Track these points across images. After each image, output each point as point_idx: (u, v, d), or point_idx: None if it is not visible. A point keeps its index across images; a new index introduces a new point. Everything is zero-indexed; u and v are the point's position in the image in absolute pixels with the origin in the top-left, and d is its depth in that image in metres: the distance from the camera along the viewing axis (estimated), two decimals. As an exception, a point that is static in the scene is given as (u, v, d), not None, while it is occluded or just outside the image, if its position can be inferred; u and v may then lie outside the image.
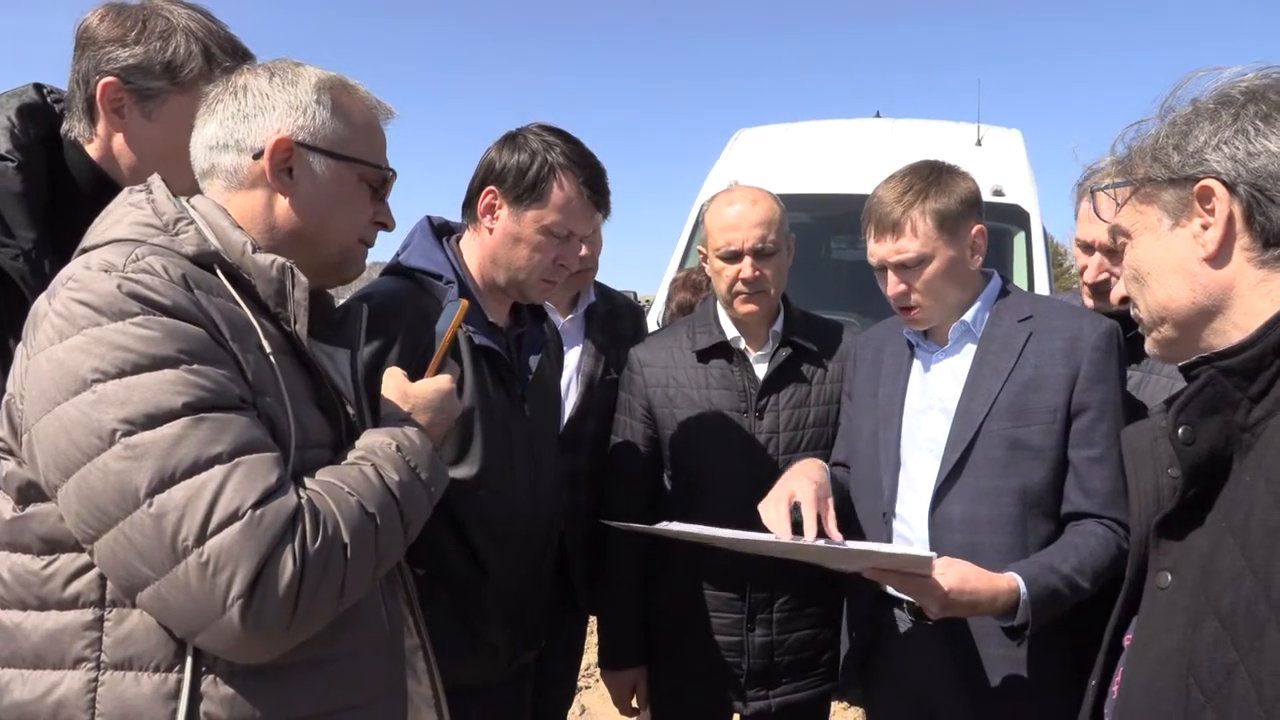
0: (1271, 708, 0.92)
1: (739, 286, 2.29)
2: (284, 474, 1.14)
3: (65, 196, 1.64)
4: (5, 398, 1.18)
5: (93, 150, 1.66)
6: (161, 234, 1.25)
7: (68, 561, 1.14)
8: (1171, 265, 1.13)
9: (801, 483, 1.85)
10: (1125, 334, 1.96)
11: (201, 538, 1.06)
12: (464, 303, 1.63)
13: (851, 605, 2.19)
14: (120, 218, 1.27)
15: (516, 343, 2.15)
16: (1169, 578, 1.12)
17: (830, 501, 1.86)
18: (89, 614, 1.13)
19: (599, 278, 2.91)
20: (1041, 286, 4.79)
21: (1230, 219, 1.07)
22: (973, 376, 1.97)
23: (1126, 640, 1.24)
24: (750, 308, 2.31)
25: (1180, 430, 1.08)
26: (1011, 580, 1.75)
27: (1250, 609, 0.96)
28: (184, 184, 1.36)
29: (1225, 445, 1.06)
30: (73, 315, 1.10)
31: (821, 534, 1.79)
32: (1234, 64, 1.13)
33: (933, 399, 2.03)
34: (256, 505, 1.08)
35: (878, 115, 6.88)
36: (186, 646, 1.13)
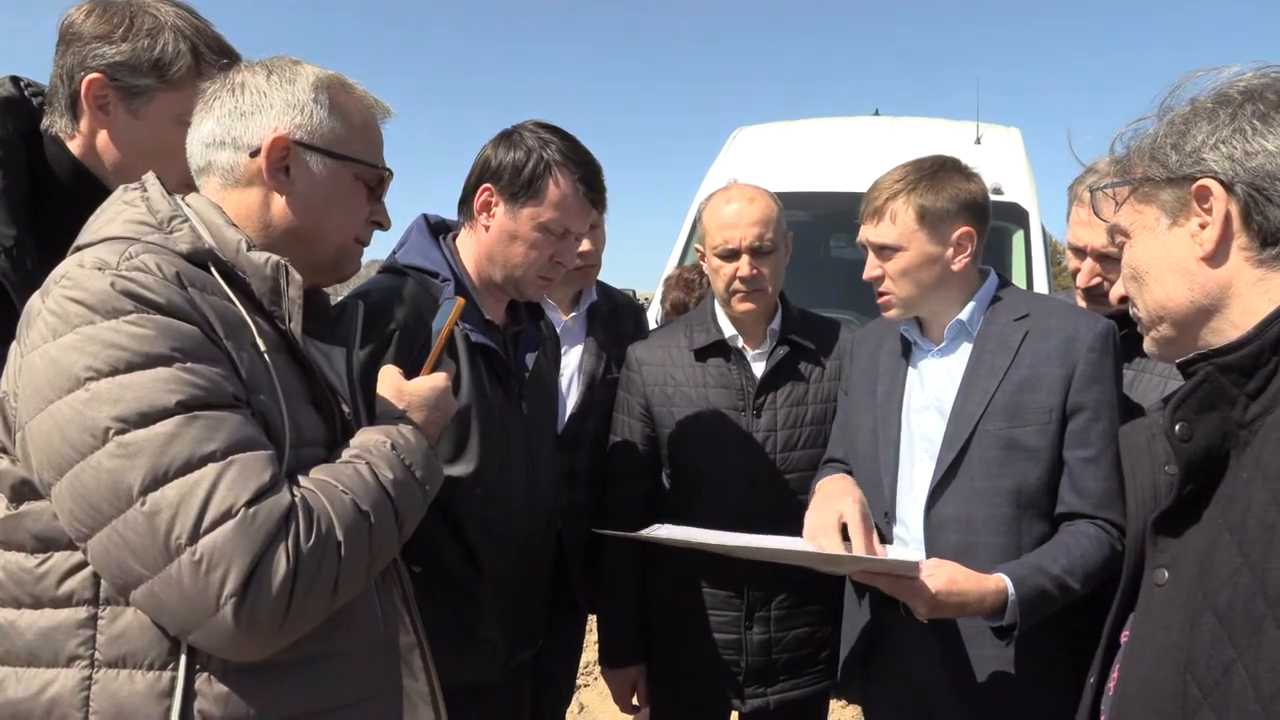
0: (1269, 704, 0.92)
1: (736, 285, 2.29)
2: (278, 472, 1.14)
3: (45, 192, 1.63)
4: None
5: (75, 146, 1.65)
6: (156, 232, 1.24)
7: (61, 559, 1.13)
8: (1170, 264, 1.13)
9: (846, 503, 1.88)
10: (1120, 332, 1.96)
11: (195, 536, 1.06)
12: (460, 300, 1.62)
13: (851, 605, 2.19)
14: (114, 215, 1.27)
15: (513, 340, 2.15)
16: (1166, 575, 1.12)
17: (872, 523, 1.89)
18: (83, 612, 1.13)
19: (599, 277, 2.91)
20: (1040, 285, 4.79)
21: (1228, 218, 1.07)
22: (968, 376, 1.97)
23: (1123, 637, 1.24)
24: (748, 306, 2.31)
25: (1177, 427, 1.08)
26: (999, 581, 1.75)
27: (1247, 606, 0.96)
28: (170, 182, 1.35)
29: (1222, 442, 1.06)
30: (66, 313, 1.10)
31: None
32: (1232, 64, 1.13)
33: (928, 398, 2.03)
34: (250, 503, 1.08)
35: (876, 113, 6.87)
36: (180, 644, 1.12)
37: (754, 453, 2.31)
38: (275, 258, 1.28)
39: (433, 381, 1.48)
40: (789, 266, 2.42)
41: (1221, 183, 1.07)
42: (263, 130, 1.32)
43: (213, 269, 1.24)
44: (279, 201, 1.34)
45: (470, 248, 2.07)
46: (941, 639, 1.95)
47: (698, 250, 2.47)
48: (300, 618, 1.12)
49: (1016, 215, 5.11)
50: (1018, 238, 5.09)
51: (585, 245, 2.65)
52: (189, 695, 1.12)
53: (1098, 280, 2.24)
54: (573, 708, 3.85)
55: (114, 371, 1.07)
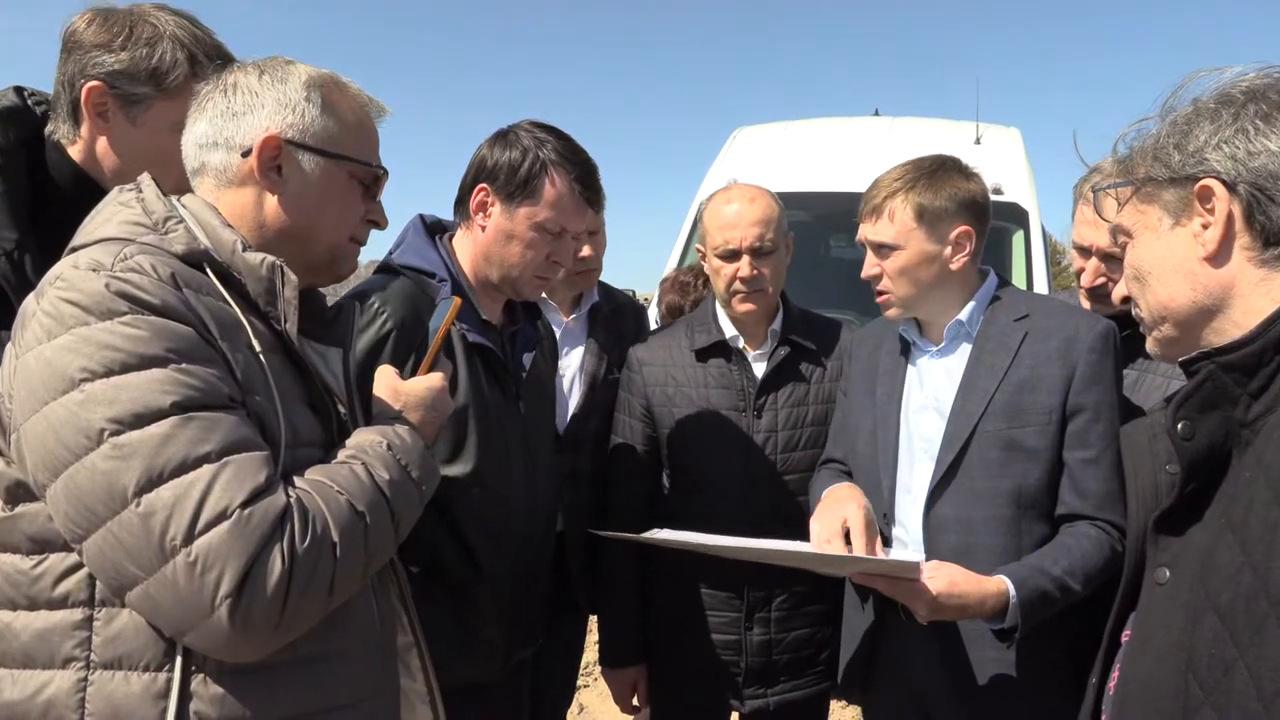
0: (1271, 703, 0.92)
1: (737, 285, 2.28)
2: (273, 473, 1.14)
3: (47, 197, 1.65)
4: None
5: (75, 152, 1.68)
6: (151, 233, 1.24)
7: (57, 561, 1.13)
8: (1172, 264, 1.13)
9: (851, 508, 1.88)
10: (1121, 332, 1.95)
11: (189, 537, 1.05)
12: (456, 300, 1.62)
13: (851, 607, 2.18)
14: (110, 216, 1.26)
15: (510, 340, 2.15)
16: (1167, 573, 1.12)
17: (876, 528, 1.89)
18: (78, 613, 1.12)
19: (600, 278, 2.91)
20: (1040, 285, 4.79)
21: (1230, 218, 1.07)
22: (968, 376, 1.96)
23: (1124, 636, 1.24)
24: (748, 307, 2.30)
25: (1180, 426, 1.08)
26: (1000, 583, 1.75)
27: (1249, 605, 0.96)
28: (166, 187, 1.36)
29: (1224, 441, 1.06)
30: (61, 314, 1.10)
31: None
32: (1235, 64, 1.13)
33: (927, 398, 2.02)
34: (245, 504, 1.08)
35: (876, 113, 6.87)
36: (176, 646, 1.12)
37: (754, 453, 2.31)
38: (271, 258, 1.27)
39: (429, 381, 1.48)
40: (789, 267, 2.41)
41: (1224, 183, 1.07)
42: (254, 130, 1.32)
43: (208, 270, 1.24)
44: (272, 201, 1.34)
45: (467, 248, 2.07)
46: (941, 641, 1.94)
47: (698, 250, 2.47)
48: (296, 619, 1.12)
49: (1016, 215, 5.11)
50: (1017, 238, 5.09)
51: (586, 251, 2.66)
52: (185, 696, 1.12)
53: (1102, 280, 2.23)
54: (573, 708, 3.84)
55: (109, 373, 1.07)
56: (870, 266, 2.02)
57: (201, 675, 1.13)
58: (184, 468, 1.07)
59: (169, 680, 1.12)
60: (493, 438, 1.99)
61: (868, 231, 2.01)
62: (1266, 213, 1.05)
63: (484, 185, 2.01)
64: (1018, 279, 4.68)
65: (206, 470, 1.07)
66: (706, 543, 1.90)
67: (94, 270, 1.12)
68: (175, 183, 1.40)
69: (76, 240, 1.26)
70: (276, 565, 1.08)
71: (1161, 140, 1.14)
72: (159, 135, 1.66)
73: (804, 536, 1.92)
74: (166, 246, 1.22)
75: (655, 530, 2.02)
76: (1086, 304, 2.28)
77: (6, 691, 1.12)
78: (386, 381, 1.46)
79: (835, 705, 3.73)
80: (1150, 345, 1.22)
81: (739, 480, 2.30)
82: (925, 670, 1.98)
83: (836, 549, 1.81)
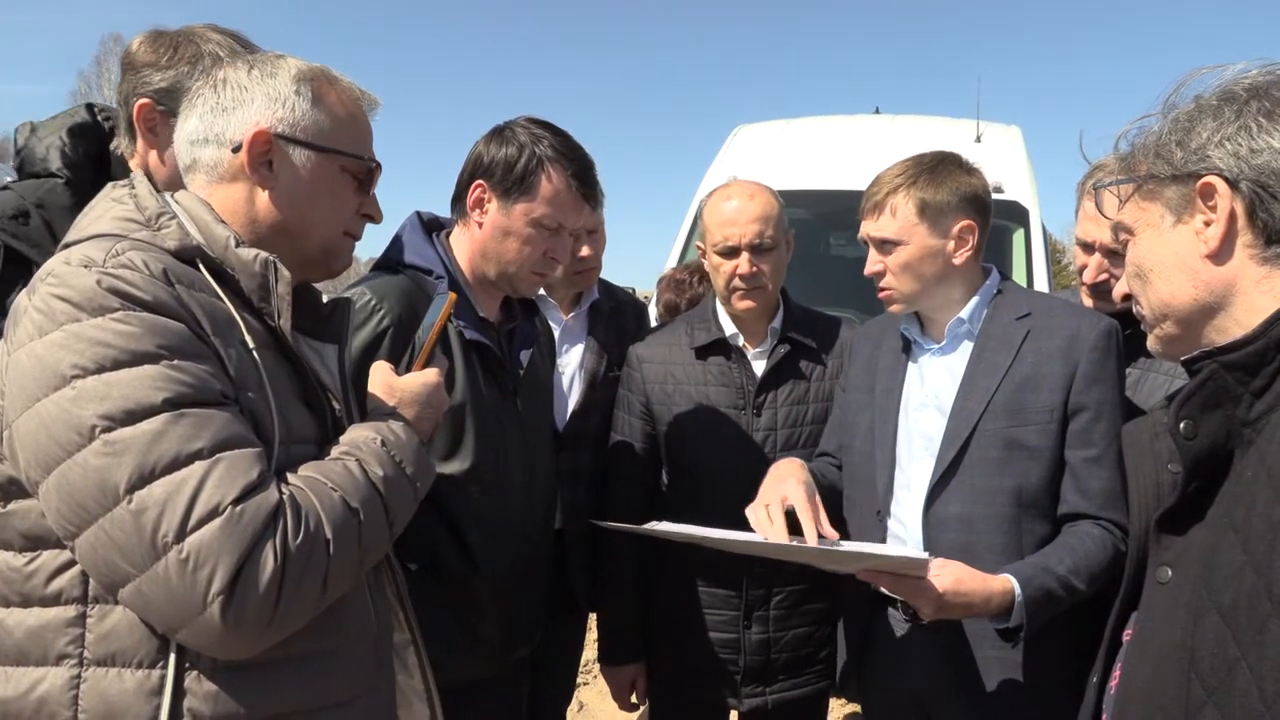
0: (1273, 703, 0.92)
1: (736, 282, 2.28)
2: (266, 469, 1.13)
3: None
4: None
5: (134, 165, 1.80)
6: (143, 229, 1.23)
7: (50, 558, 1.13)
8: (1174, 262, 1.12)
9: (790, 485, 1.85)
10: (1124, 331, 1.94)
11: (181, 534, 1.05)
12: (451, 295, 1.62)
13: (848, 605, 2.18)
14: (102, 213, 1.26)
15: (508, 337, 2.14)
16: (1169, 573, 1.12)
17: (818, 501, 1.86)
18: (71, 610, 1.12)
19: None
20: (1041, 283, 4.78)
21: (1232, 216, 1.07)
22: (969, 374, 1.96)
23: (1126, 636, 1.23)
24: (748, 304, 2.30)
25: (1182, 425, 1.07)
26: (1006, 582, 1.74)
27: (1252, 604, 0.96)
28: None
29: (1226, 440, 1.06)
30: (52, 311, 1.09)
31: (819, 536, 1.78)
32: (1237, 61, 1.12)
33: (928, 396, 2.02)
34: (237, 501, 1.07)
35: (877, 111, 6.87)
36: (170, 643, 1.12)
37: (754, 451, 2.30)
38: (264, 254, 1.27)
39: (424, 377, 1.47)
40: (789, 265, 2.40)
41: (1226, 180, 1.06)
42: (244, 125, 1.31)
43: (201, 266, 1.23)
44: (263, 196, 1.33)
45: (464, 244, 2.07)
46: (942, 640, 1.93)
47: (698, 248, 2.46)
48: (289, 615, 1.11)
49: (1017, 214, 5.10)
50: (1018, 236, 5.09)
51: (585, 250, 2.66)
52: (178, 693, 1.12)
53: (1105, 276, 2.23)
54: (573, 706, 3.84)
55: (100, 369, 1.07)
56: (873, 263, 2.01)
57: (195, 672, 1.13)
58: (176, 464, 1.06)
59: (162, 677, 1.11)
60: (490, 435, 1.99)
61: (870, 228, 2.00)
62: (1269, 210, 1.04)
63: (480, 181, 2.00)
64: (1018, 277, 4.67)
65: (198, 467, 1.07)
66: (707, 536, 1.90)
67: (85, 266, 1.11)
68: None
69: (70, 236, 1.25)
70: (269, 562, 1.07)
71: (1164, 137, 1.13)
72: None
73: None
74: (159, 242, 1.21)
75: (655, 522, 2.02)
76: (1089, 301, 2.27)
77: (0, 689, 1.12)
78: (381, 377, 1.45)
79: (835, 704, 3.72)
80: (1151, 343, 1.22)
81: (738, 478, 2.29)
82: (923, 671, 1.98)
83: (778, 531, 1.77)
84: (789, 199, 2.53)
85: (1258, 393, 1.03)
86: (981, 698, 1.91)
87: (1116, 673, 1.22)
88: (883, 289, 2.02)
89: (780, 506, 1.81)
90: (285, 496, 1.13)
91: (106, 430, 1.05)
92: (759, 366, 2.36)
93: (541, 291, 2.52)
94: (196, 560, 1.04)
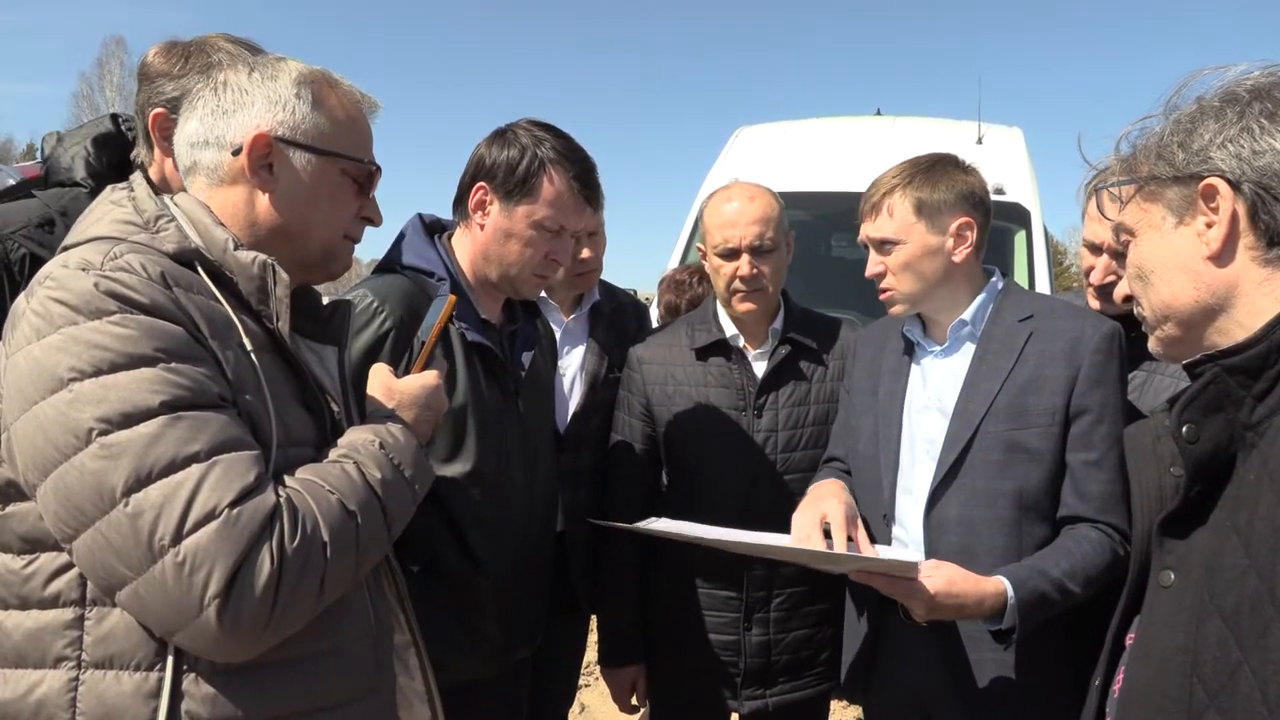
0: (1276, 707, 0.92)
1: (736, 284, 2.27)
2: (263, 472, 1.13)
3: None
4: None
5: (153, 173, 1.81)
6: (142, 231, 1.23)
7: (48, 560, 1.13)
8: (1175, 263, 1.12)
9: (831, 504, 1.88)
10: (1128, 334, 1.94)
11: (178, 537, 1.05)
12: (451, 297, 1.62)
13: (855, 606, 2.18)
14: (101, 216, 1.26)
15: (509, 339, 2.14)
16: (1172, 576, 1.11)
17: (859, 522, 1.88)
18: (69, 613, 1.12)
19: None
20: (1042, 285, 4.78)
21: (1234, 217, 1.06)
22: (971, 376, 1.95)
23: (1129, 640, 1.23)
24: (748, 306, 2.29)
25: (1184, 428, 1.07)
26: (999, 584, 1.74)
27: (1255, 608, 0.95)
28: None
29: (1229, 444, 1.05)
30: (50, 314, 1.09)
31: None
32: (1239, 62, 1.12)
33: (930, 398, 2.01)
34: (234, 504, 1.07)
35: (878, 113, 6.87)
36: (168, 645, 1.12)
37: (754, 453, 2.30)
38: (262, 257, 1.27)
39: (423, 380, 1.47)
40: (790, 266, 2.40)
41: (1228, 181, 1.06)
42: (245, 128, 1.31)
43: (199, 268, 1.23)
44: (263, 199, 1.33)
45: (466, 246, 2.07)
46: (941, 642, 1.93)
47: (699, 250, 2.46)
48: (286, 618, 1.11)
49: (1018, 215, 5.10)
50: (1019, 238, 5.08)
51: (586, 253, 2.66)
52: (176, 696, 1.12)
53: (1112, 278, 2.22)
54: (574, 708, 3.84)
55: (97, 372, 1.06)
56: (873, 264, 2.01)
57: (193, 674, 1.13)
58: (172, 467, 1.06)
59: (160, 680, 1.11)
60: (492, 437, 1.99)
61: (869, 229, 2.00)
62: (1271, 212, 1.04)
63: (482, 184, 2.00)
64: (1019, 279, 4.67)
65: (195, 470, 1.07)
66: (705, 535, 1.90)
67: (83, 269, 1.11)
68: None
69: (68, 239, 1.25)
70: (265, 565, 1.07)
71: (1165, 139, 1.13)
72: None
73: None
74: (157, 245, 1.21)
75: (654, 520, 2.01)
76: (1095, 302, 2.27)
77: None
78: (380, 379, 1.45)
79: (836, 705, 3.72)
80: (1152, 345, 1.21)
81: (739, 479, 2.30)
82: (924, 671, 1.97)
83: (816, 544, 1.80)
84: (790, 200, 2.52)
85: (1260, 396, 1.03)
86: (979, 699, 1.90)
87: (1119, 676, 1.22)
88: (884, 290, 2.02)
89: (820, 523, 1.84)
90: (282, 499, 1.13)
91: (103, 433, 1.05)
92: (760, 368, 2.35)
93: (542, 293, 2.52)
94: (193, 563, 1.04)
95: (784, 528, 2.04)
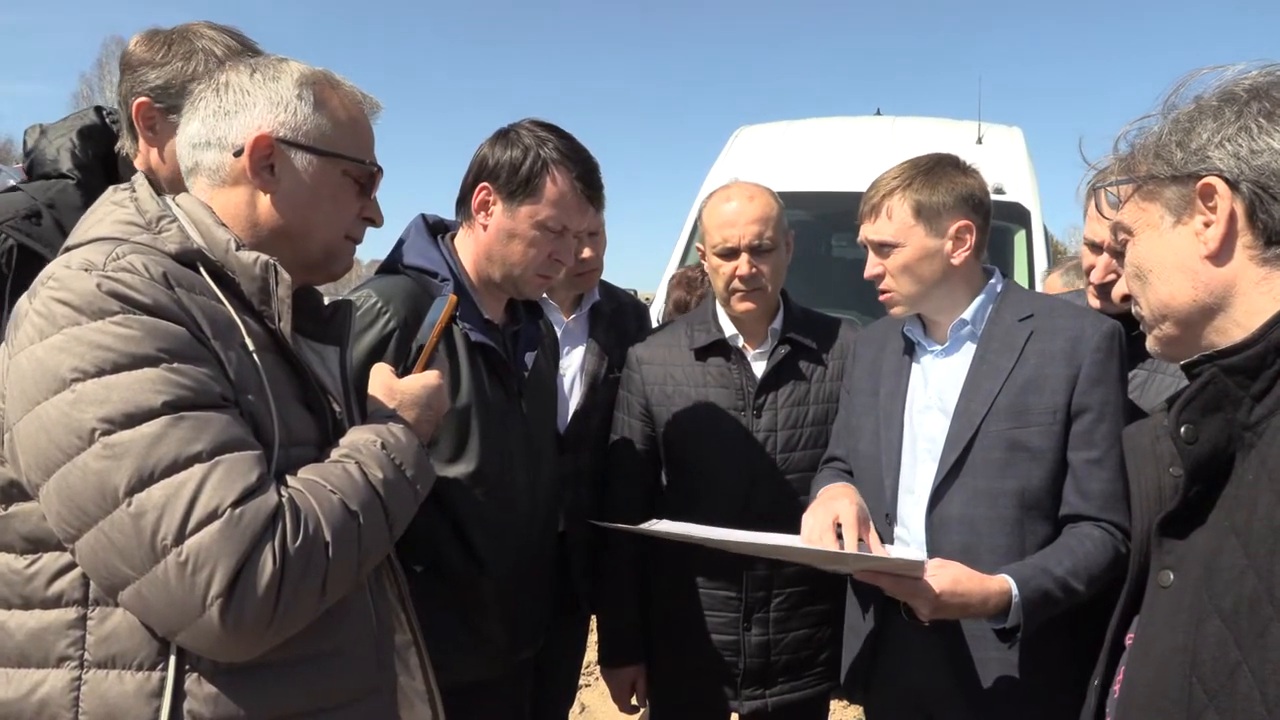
0: (1275, 706, 0.92)
1: (735, 284, 2.27)
2: (265, 472, 1.13)
3: None
4: None
5: (138, 164, 1.80)
6: (144, 232, 1.24)
7: (51, 560, 1.13)
8: (1173, 262, 1.12)
9: (844, 504, 1.88)
10: (1129, 333, 1.94)
11: (180, 537, 1.05)
12: (452, 298, 1.62)
13: (853, 607, 2.18)
14: (103, 216, 1.26)
15: (512, 340, 2.14)
16: (1171, 576, 1.11)
17: (870, 524, 1.89)
18: (72, 613, 1.12)
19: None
20: (1041, 285, 4.78)
21: (1232, 216, 1.06)
22: (972, 376, 1.95)
23: (1128, 639, 1.23)
24: (747, 305, 2.29)
25: (1183, 429, 1.07)
26: (1003, 583, 1.74)
27: (1253, 608, 0.96)
28: None
29: (1227, 444, 1.06)
30: (52, 314, 1.09)
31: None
32: (1237, 62, 1.12)
33: (931, 398, 2.02)
34: (236, 504, 1.07)
35: (878, 113, 6.88)
36: (170, 645, 1.12)
37: (754, 453, 2.30)
38: (264, 257, 1.27)
39: (424, 380, 1.47)
40: (790, 266, 2.40)
41: (1226, 181, 1.06)
42: (246, 129, 1.31)
43: (201, 269, 1.23)
44: (265, 200, 1.33)
45: (469, 247, 2.07)
46: (944, 641, 1.93)
47: (699, 249, 2.46)
48: (288, 618, 1.11)
49: (1018, 215, 5.11)
50: (1019, 238, 5.09)
51: (586, 252, 2.66)
52: (178, 695, 1.12)
53: (1112, 277, 2.22)
54: (574, 707, 3.84)
55: (100, 372, 1.07)
56: (873, 266, 2.02)
57: (195, 674, 1.13)
58: (175, 467, 1.06)
59: (163, 679, 1.11)
60: (495, 437, 1.99)
61: (868, 231, 2.01)
62: (1269, 211, 1.04)
63: (486, 184, 2.00)
64: (1019, 279, 4.67)
65: (198, 470, 1.07)
66: (708, 536, 1.90)
67: (86, 270, 1.11)
68: None
69: (70, 240, 1.26)
70: (268, 565, 1.08)
71: (1164, 138, 1.13)
72: None
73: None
74: (160, 246, 1.21)
75: (655, 521, 2.01)
76: (1095, 301, 2.27)
77: (1, 690, 1.12)
78: (381, 380, 1.45)
79: (836, 705, 3.72)
80: (1150, 344, 1.21)
81: (738, 479, 2.30)
82: (927, 670, 1.97)
83: (828, 544, 1.80)
84: (790, 200, 2.52)
85: (1258, 396, 1.03)
86: (982, 699, 1.91)
87: (1119, 676, 1.22)
88: (883, 291, 2.03)
89: (833, 523, 1.84)
90: (284, 499, 1.13)
91: (106, 433, 1.05)
92: (759, 368, 2.35)
93: (544, 292, 2.52)
94: (195, 563, 1.05)
95: (784, 527, 2.04)
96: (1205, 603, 1.02)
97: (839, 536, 1.82)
